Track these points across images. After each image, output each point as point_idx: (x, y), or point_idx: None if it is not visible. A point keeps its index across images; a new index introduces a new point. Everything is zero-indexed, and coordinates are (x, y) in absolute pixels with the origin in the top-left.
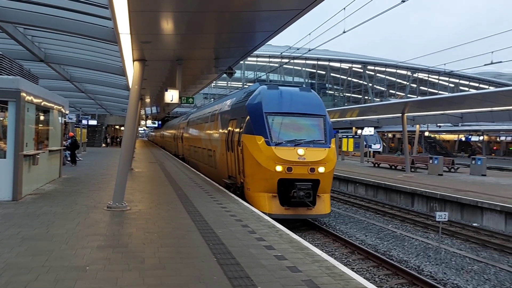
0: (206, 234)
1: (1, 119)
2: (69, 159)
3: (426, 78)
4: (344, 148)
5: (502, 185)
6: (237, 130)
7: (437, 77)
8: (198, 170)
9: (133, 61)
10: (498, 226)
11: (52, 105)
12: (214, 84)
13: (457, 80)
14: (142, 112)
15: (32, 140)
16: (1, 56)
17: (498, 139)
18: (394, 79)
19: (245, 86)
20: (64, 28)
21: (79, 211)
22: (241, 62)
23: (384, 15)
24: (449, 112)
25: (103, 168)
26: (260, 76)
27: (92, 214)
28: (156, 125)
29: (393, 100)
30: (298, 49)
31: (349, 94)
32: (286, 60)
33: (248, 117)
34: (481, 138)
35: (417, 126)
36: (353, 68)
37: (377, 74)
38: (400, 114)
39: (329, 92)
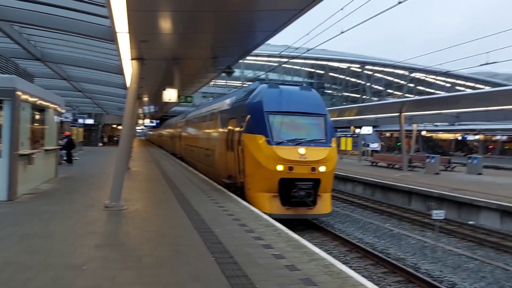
0: (203, 233)
1: None
2: (65, 158)
3: (424, 78)
4: (342, 147)
5: (498, 184)
6: (237, 129)
7: (434, 77)
8: (196, 169)
9: (131, 59)
10: (494, 224)
11: (48, 104)
12: (213, 83)
13: (453, 80)
14: (140, 111)
15: (28, 139)
16: None
17: (494, 138)
18: (391, 78)
19: (244, 85)
20: (60, 27)
21: (77, 210)
22: (240, 61)
23: (383, 15)
24: (445, 111)
25: (100, 167)
26: (259, 75)
27: (90, 213)
28: (154, 124)
29: (390, 100)
30: (296, 48)
31: (347, 94)
32: (285, 60)
33: (249, 116)
34: (477, 137)
35: (415, 125)
36: (351, 68)
37: (375, 74)
38: (398, 114)
39: (328, 91)
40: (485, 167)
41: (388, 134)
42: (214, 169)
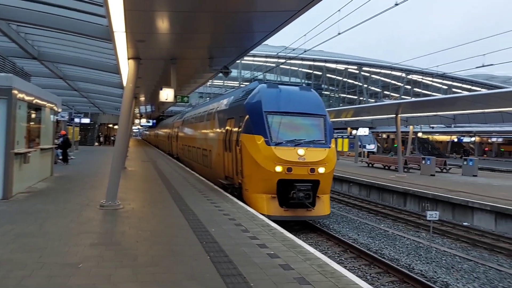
0: (199, 233)
1: None
2: (60, 157)
3: (420, 80)
4: (339, 148)
5: (493, 185)
6: (236, 129)
7: (431, 79)
8: (192, 169)
9: (128, 59)
10: (488, 225)
11: (44, 103)
12: (210, 83)
13: (450, 82)
14: (136, 110)
15: (24, 138)
16: None
17: (490, 140)
18: (389, 80)
19: (241, 85)
20: (58, 26)
21: (72, 209)
22: (238, 61)
23: (381, 17)
24: (441, 113)
25: (96, 166)
26: (257, 76)
27: (85, 212)
28: (150, 124)
29: (387, 101)
30: (294, 49)
31: (344, 95)
32: (283, 60)
33: (247, 116)
34: (473, 139)
35: (411, 127)
36: (349, 69)
37: (372, 76)
38: (394, 115)
39: (325, 92)
40: (481, 169)
41: (384, 136)
42: (211, 169)
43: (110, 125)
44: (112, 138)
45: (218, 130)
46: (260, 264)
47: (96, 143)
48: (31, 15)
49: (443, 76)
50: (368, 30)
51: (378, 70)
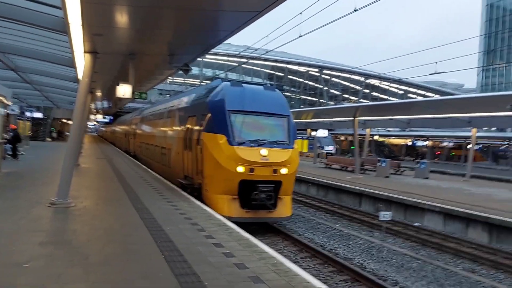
0: (154, 232)
1: None
2: (10, 153)
3: (378, 84)
4: (298, 149)
5: (442, 188)
6: (197, 127)
7: (388, 83)
8: (150, 168)
9: (84, 53)
10: (437, 226)
11: None
12: (170, 80)
13: (406, 88)
14: (92, 106)
15: None
16: None
17: (441, 144)
18: (348, 84)
19: (203, 83)
20: (10, 15)
21: (21, 206)
22: (199, 59)
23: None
24: (397, 117)
25: (48, 163)
26: (219, 75)
27: (35, 209)
28: (107, 120)
29: (346, 104)
30: (256, 49)
31: (305, 97)
32: (245, 60)
33: (210, 114)
34: (426, 143)
35: (368, 130)
36: (310, 72)
37: (332, 79)
38: (352, 118)
39: (286, 94)
40: (432, 171)
41: (342, 138)
42: (170, 168)
43: (64, 120)
44: (67, 133)
45: (178, 128)
46: (215, 263)
47: (49, 139)
48: None
49: (399, 81)
50: (331, 35)
51: (338, 74)
